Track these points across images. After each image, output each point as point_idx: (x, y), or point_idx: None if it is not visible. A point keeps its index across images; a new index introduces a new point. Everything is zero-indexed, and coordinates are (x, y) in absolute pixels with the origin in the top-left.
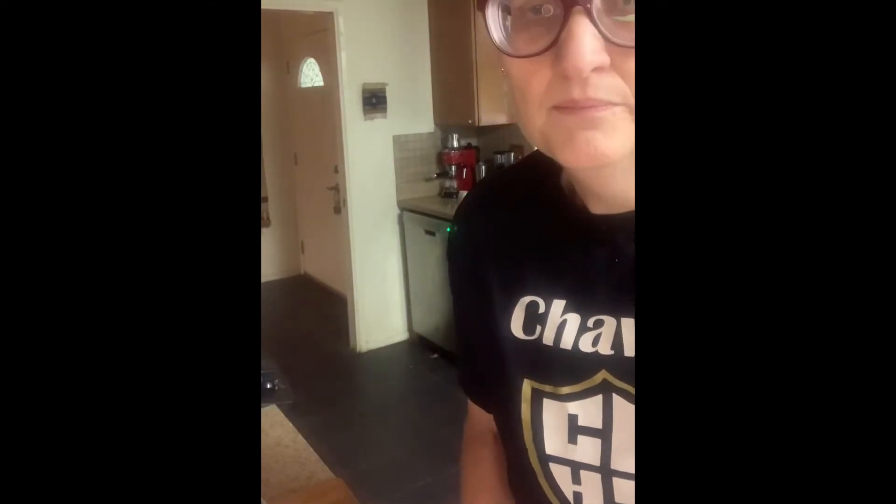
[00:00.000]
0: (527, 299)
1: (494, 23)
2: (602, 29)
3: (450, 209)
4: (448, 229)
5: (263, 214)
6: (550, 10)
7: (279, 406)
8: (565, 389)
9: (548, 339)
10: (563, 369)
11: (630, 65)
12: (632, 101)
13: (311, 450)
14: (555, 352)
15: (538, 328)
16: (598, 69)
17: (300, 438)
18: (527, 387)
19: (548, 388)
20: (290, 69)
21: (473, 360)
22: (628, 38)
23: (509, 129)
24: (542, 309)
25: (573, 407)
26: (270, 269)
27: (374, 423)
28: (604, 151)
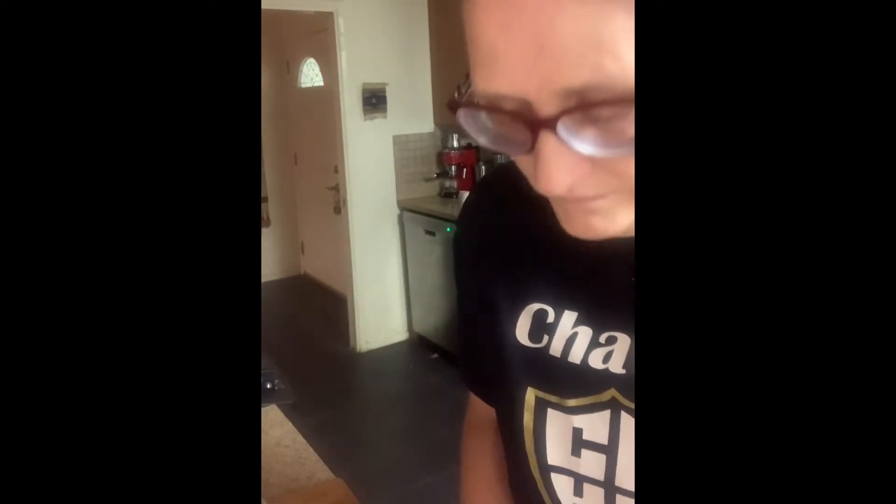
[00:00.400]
0: (535, 307)
1: (469, 125)
2: (574, 147)
3: (450, 209)
4: (448, 229)
5: (263, 214)
6: (519, 128)
7: (279, 406)
8: (571, 402)
9: (555, 350)
10: (570, 382)
11: (615, 160)
12: (625, 184)
13: (311, 450)
14: (562, 364)
15: (545, 337)
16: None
17: (300, 438)
18: (530, 395)
19: (553, 399)
20: (290, 69)
21: (476, 360)
22: (607, 146)
23: None
24: (550, 318)
25: (578, 420)
26: (270, 269)
27: (374, 423)
28: (604, 230)
